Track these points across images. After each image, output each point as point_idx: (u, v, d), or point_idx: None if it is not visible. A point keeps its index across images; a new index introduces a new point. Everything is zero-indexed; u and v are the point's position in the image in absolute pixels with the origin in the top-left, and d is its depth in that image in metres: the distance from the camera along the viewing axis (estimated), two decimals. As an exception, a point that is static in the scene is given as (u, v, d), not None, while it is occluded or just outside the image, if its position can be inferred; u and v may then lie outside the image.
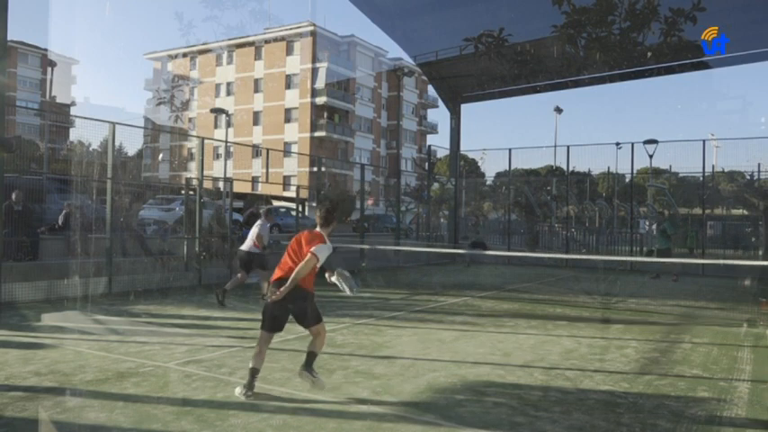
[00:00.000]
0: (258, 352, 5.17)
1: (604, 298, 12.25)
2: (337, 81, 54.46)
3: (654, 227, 16.97)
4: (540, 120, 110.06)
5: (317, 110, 53.78)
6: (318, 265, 5.19)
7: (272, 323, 5.21)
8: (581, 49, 16.08)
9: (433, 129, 69.69)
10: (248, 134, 54.50)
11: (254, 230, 10.40)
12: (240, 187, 24.27)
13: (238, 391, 5.08)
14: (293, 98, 54.34)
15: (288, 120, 54.53)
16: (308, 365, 5.21)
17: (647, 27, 14.83)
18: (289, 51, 54.49)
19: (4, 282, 9.31)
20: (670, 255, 15.59)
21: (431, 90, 57.38)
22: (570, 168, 22.20)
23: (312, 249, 5.10)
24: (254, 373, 5.09)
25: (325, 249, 5.18)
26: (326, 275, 5.53)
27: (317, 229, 5.40)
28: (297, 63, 53.99)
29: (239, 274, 10.50)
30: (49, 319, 8.54)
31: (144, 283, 11.52)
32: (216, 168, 41.11)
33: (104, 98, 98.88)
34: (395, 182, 22.26)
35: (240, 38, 53.49)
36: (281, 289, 5.04)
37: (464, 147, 32.46)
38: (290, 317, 5.27)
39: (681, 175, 24.61)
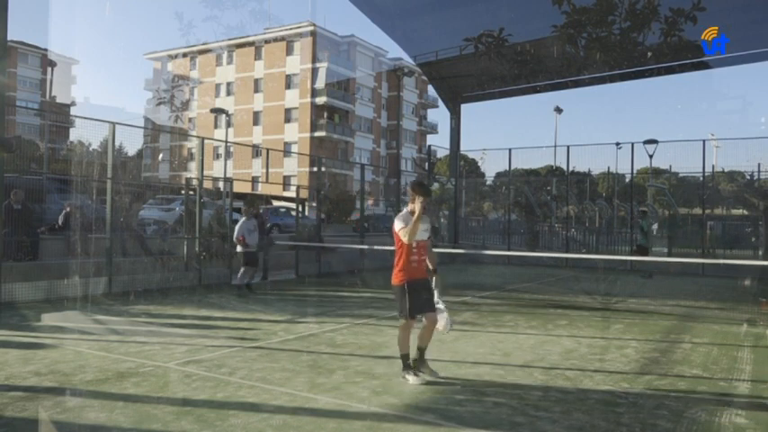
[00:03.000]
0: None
1: (604, 298, 12.24)
2: (337, 81, 54.46)
3: (639, 224, 17.09)
4: (540, 120, 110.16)
5: (317, 110, 53.78)
6: (406, 237, 5.44)
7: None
8: (581, 49, 16.08)
9: (433, 129, 69.70)
10: (248, 134, 54.51)
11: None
12: (240, 187, 24.28)
13: (411, 379, 5.47)
14: (293, 98, 54.35)
15: (288, 120, 54.54)
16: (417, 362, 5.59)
17: (647, 27, 14.83)
18: (289, 51, 54.50)
19: (4, 282, 9.32)
20: (647, 252, 16.06)
21: (431, 90, 57.39)
22: (570, 168, 22.19)
23: (395, 229, 5.54)
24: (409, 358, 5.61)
25: (399, 220, 5.54)
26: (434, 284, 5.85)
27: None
28: (297, 63, 54.00)
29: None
30: (49, 319, 8.54)
31: (144, 283, 11.51)
32: (216, 168, 41.13)
33: (104, 98, 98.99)
34: (395, 182, 22.24)
35: (240, 38, 53.51)
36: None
37: (464, 147, 32.45)
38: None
39: (681, 175, 24.58)
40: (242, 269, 11.66)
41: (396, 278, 5.57)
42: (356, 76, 57.24)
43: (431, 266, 5.82)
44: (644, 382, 5.78)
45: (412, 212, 5.52)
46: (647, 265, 16.22)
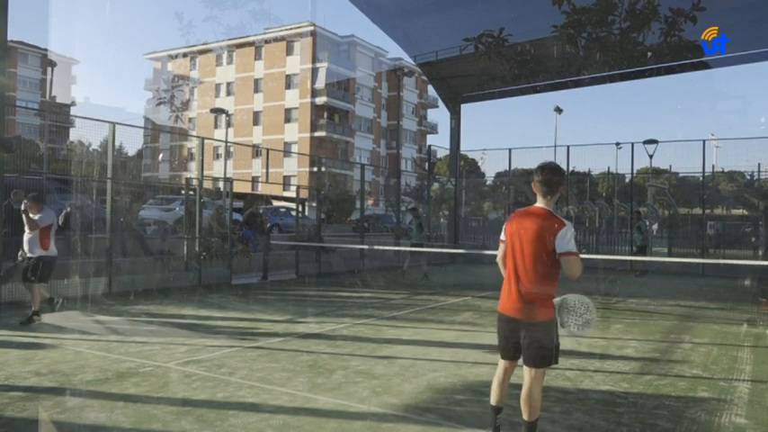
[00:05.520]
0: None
1: (604, 298, 12.24)
2: (337, 81, 54.49)
3: (637, 225, 17.14)
4: (540, 120, 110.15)
5: (316, 110, 53.80)
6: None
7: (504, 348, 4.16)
8: (581, 49, 16.07)
9: (433, 129, 69.72)
10: (248, 134, 54.54)
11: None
12: (240, 187, 24.30)
13: None
14: (293, 98, 54.36)
15: (288, 120, 54.56)
16: None
17: (647, 27, 14.83)
18: (289, 51, 54.52)
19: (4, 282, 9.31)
20: (645, 251, 16.19)
21: (431, 90, 57.42)
22: (570, 168, 22.21)
23: (568, 248, 3.68)
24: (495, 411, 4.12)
25: (570, 233, 3.72)
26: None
27: (539, 204, 3.85)
28: (297, 63, 54.02)
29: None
30: (49, 319, 8.54)
31: (144, 283, 11.51)
32: (216, 168, 41.16)
33: (104, 98, 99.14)
34: (395, 182, 22.26)
35: (240, 38, 53.54)
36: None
37: (464, 147, 32.40)
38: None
39: (681, 175, 24.62)
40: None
41: (548, 306, 4.11)
42: (356, 76, 57.26)
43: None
44: (644, 382, 5.78)
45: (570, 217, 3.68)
46: (646, 265, 16.29)
